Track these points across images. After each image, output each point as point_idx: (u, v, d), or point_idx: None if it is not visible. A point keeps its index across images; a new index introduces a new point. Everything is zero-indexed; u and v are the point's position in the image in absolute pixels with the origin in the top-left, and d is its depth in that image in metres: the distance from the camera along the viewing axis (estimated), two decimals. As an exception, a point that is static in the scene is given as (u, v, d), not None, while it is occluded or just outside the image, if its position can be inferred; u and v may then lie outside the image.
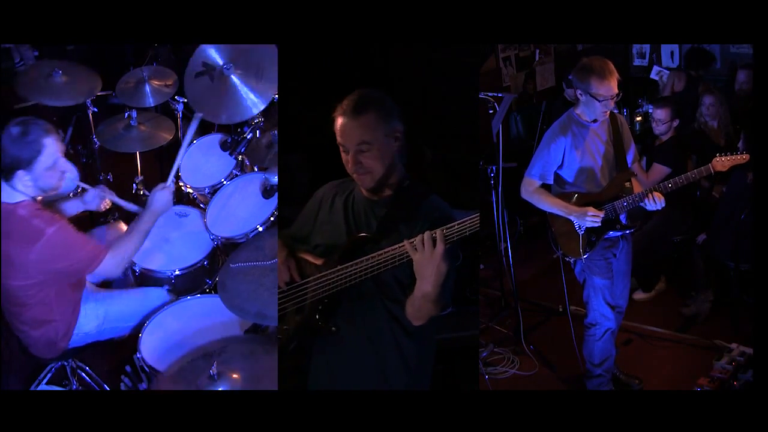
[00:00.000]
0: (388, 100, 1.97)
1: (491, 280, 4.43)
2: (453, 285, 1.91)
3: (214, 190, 3.46)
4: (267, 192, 3.02)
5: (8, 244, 2.51)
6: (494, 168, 4.02)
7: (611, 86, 2.85)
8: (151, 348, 2.70)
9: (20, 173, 2.52)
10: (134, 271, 3.13)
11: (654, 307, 4.20)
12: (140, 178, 3.94)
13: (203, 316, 2.81)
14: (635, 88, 5.81)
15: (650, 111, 4.51)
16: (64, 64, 3.92)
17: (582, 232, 3.00)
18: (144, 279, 3.14)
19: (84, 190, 3.17)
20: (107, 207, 3.14)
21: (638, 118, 5.36)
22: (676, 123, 4.14)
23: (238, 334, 2.68)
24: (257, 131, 3.43)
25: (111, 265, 2.64)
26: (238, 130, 3.44)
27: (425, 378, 2.04)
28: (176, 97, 3.93)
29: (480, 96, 3.91)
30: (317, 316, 1.97)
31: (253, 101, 3.20)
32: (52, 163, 2.56)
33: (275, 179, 2.97)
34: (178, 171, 3.10)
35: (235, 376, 2.15)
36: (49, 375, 2.95)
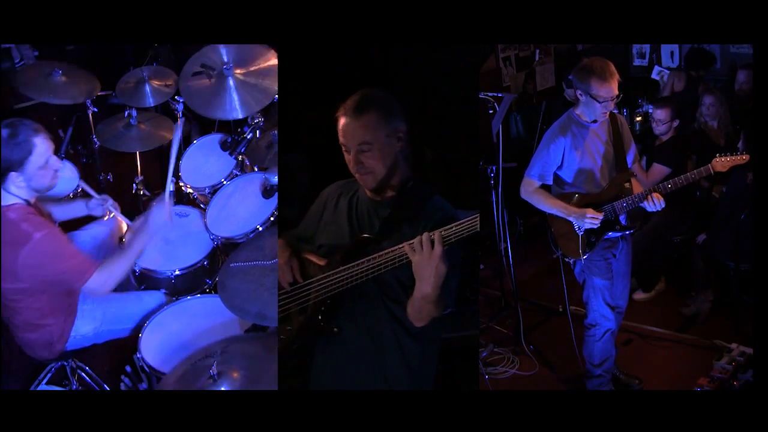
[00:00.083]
0: (392, 100, 1.97)
1: (491, 280, 4.43)
2: (456, 286, 1.90)
3: (214, 190, 3.46)
4: (267, 192, 3.02)
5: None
6: (494, 168, 4.01)
7: (612, 87, 2.85)
8: (151, 348, 2.70)
9: (13, 175, 2.51)
10: (134, 271, 3.14)
11: (654, 307, 4.19)
12: (140, 178, 3.94)
13: (203, 317, 2.81)
14: (635, 89, 5.81)
15: (650, 111, 4.51)
16: (64, 64, 3.93)
17: (581, 233, 3.00)
18: (144, 279, 3.15)
19: (85, 192, 3.17)
20: (110, 216, 3.14)
21: (638, 118, 5.35)
22: (676, 123, 4.14)
23: (239, 334, 2.68)
24: (257, 131, 3.43)
25: (97, 282, 2.59)
26: (238, 130, 3.45)
27: (428, 380, 2.04)
28: (176, 97, 3.94)
29: (480, 96, 3.91)
30: (320, 317, 1.97)
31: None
32: (43, 162, 2.55)
33: (275, 179, 2.98)
34: (177, 178, 3.07)
35: (235, 375, 2.15)
36: (49, 375, 2.95)
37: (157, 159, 4.44)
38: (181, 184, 3.57)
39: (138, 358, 2.66)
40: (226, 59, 3.55)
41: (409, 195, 1.98)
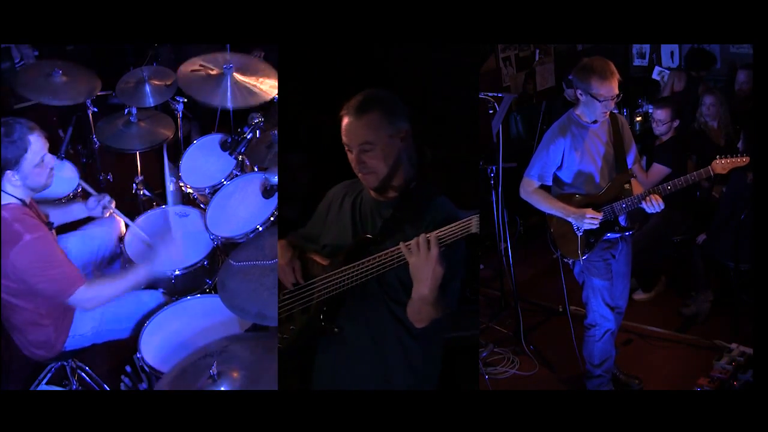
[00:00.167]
0: (395, 100, 1.97)
1: (491, 280, 4.43)
2: (459, 287, 1.90)
3: (215, 190, 3.46)
4: (267, 192, 3.02)
5: None
6: (494, 168, 4.01)
7: (612, 86, 2.85)
8: (151, 348, 2.70)
9: (8, 174, 2.52)
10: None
11: (654, 307, 4.19)
12: (140, 178, 3.94)
13: (203, 316, 2.81)
14: (635, 89, 5.81)
15: (650, 111, 4.51)
16: (64, 64, 3.93)
17: (580, 234, 3.00)
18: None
19: (85, 192, 3.17)
20: (109, 215, 3.13)
21: (638, 119, 5.35)
22: (676, 123, 4.14)
23: (239, 333, 2.68)
24: (257, 131, 3.43)
25: (83, 297, 2.57)
26: (238, 130, 3.45)
27: (431, 380, 2.03)
28: (176, 97, 3.94)
29: (480, 96, 3.91)
30: (321, 317, 1.97)
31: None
32: (39, 160, 2.56)
33: (275, 179, 2.98)
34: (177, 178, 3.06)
35: (235, 375, 2.15)
36: (49, 375, 2.95)
37: (158, 159, 4.43)
38: (182, 184, 3.57)
39: (138, 358, 2.66)
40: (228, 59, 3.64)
41: (412, 195, 1.98)
